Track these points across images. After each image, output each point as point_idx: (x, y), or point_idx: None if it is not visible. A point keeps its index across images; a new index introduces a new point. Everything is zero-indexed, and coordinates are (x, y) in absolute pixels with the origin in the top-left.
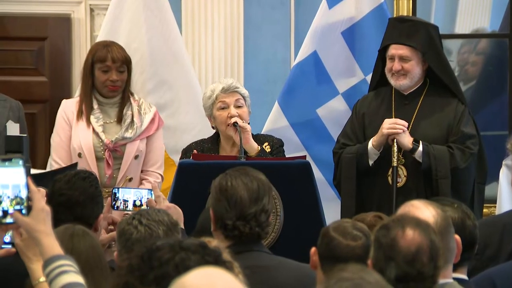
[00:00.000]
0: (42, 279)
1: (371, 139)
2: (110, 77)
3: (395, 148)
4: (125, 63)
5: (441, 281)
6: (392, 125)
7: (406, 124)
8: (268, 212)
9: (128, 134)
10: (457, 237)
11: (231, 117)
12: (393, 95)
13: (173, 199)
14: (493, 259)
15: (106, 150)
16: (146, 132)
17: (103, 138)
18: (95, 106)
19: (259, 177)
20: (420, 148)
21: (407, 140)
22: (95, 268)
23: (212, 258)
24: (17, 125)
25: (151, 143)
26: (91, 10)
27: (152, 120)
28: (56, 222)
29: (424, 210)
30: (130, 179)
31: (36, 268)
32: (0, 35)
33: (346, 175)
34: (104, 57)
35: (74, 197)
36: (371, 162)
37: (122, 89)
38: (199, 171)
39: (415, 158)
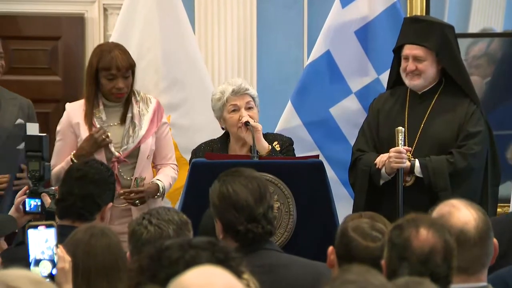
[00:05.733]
0: None
1: (384, 168)
2: (116, 84)
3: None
4: (130, 68)
5: (476, 284)
6: (398, 159)
7: (409, 149)
8: (273, 206)
9: (130, 144)
10: (495, 240)
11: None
12: (408, 94)
13: (186, 198)
14: (503, 257)
15: (115, 163)
16: (148, 133)
17: (113, 150)
18: (101, 107)
19: (254, 174)
20: (417, 163)
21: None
22: (110, 269)
23: (222, 255)
24: (37, 124)
25: (160, 139)
26: (105, 9)
27: (152, 120)
28: (68, 196)
29: (465, 212)
30: (143, 179)
31: None
32: (14, 35)
33: (358, 188)
34: (109, 65)
35: (89, 174)
36: (381, 182)
37: (128, 94)
38: (212, 170)
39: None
